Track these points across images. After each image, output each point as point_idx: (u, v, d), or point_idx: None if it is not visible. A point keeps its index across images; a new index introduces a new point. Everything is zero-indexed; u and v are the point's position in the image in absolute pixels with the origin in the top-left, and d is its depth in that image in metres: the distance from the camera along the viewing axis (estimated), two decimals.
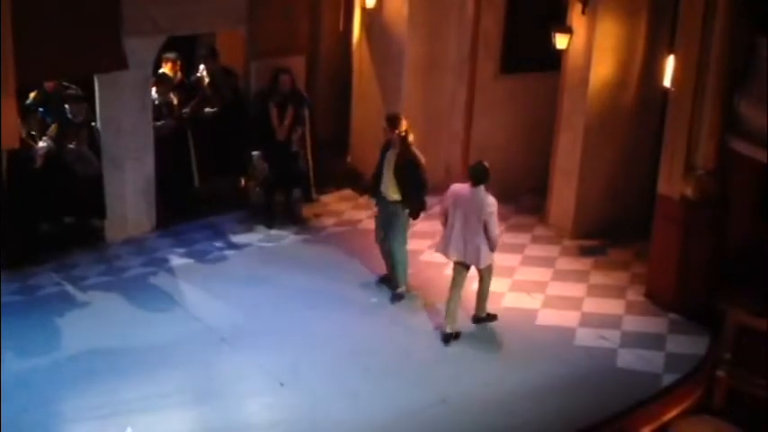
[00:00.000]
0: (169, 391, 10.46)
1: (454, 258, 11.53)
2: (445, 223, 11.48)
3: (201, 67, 14.58)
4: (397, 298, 12.33)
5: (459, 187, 11.43)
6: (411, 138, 11.90)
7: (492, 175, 11.21)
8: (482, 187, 11.19)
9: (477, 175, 11.19)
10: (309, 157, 14.48)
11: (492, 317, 11.91)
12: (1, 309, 10.92)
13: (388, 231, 12.21)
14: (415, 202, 11.97)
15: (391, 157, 11.99)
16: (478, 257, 11.36)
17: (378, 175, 12.18)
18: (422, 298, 12.41)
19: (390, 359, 11.12)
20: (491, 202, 11.18)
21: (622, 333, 11.82)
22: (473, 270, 11.56)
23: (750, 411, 10.89)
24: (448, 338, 11.51)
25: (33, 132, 12.70)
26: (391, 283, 12.42)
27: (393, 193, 12.03)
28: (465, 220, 11.26)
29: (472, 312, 11.89)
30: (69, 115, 13.03)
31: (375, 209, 12.64)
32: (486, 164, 11.28)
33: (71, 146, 12.86)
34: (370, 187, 12.55)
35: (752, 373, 11.17)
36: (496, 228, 11.34)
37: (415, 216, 12.10)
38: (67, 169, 12.91)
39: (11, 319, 11.47)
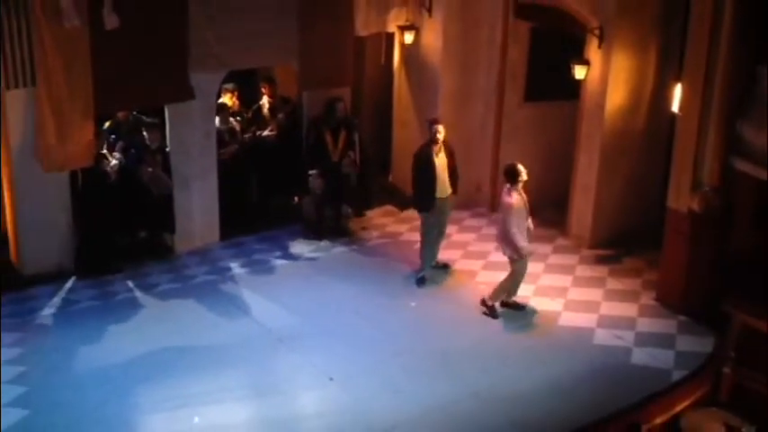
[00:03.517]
0: (231, 385, 10.54)
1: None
2: None
3: (264, 97, 14.64)
4: (445, 266, 13.02)
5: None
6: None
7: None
8: (507, 186, 11.61)
9: (505, 175, 11.69)
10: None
11: (493, 313, 11.98)
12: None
13: (445, 222, 12.84)
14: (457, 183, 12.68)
15: (440, 156, 12.38)
16: (502, 246, 11.80)
17: (426, 185, 12.39)
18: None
19: (427, 358, 11.11)
20: (504, 201, 11.58)
21: (636, 333, 11.74)
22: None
23: (754, 405, 10.76)
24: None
25: (103, 152, 12.79)
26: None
27: (448, 189, 12.53)
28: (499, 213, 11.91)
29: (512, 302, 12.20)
30: (147, 141, 13.14)
31: (429, 217, 12.72)
32: (513, 164, 11.68)
33: (149, 169, 12.95)
34: (424, 202, 12.57)
35: (755, 370, 11.05)
36: (507, 225, 11.58)
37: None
38: (144, 190, 13.00)
39: (91, 322, 11.72)
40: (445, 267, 13.09)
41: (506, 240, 11.67)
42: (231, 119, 14.21)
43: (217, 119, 13.84)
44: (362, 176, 14.41)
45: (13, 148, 12.05)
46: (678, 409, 10.63)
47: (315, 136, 14.08)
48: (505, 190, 11.66)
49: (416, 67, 14.98)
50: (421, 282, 12.73)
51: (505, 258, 11.98)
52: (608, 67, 12.96)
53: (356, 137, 14.18)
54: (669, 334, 11.73)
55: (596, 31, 12.90)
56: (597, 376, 10.88)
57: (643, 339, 11.60)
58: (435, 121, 12.48)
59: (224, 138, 13.90)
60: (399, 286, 12.72)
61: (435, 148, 12.35)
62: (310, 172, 13.89)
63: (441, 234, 12.92)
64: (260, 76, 15.29)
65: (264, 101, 14.56)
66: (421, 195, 12.61)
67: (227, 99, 14.36)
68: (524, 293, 12.42)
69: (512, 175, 11.55)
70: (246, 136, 14.28)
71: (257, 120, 14.51)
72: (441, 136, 12.29)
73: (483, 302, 11.98)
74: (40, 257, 12.47)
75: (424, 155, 12.42)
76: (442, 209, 12.61)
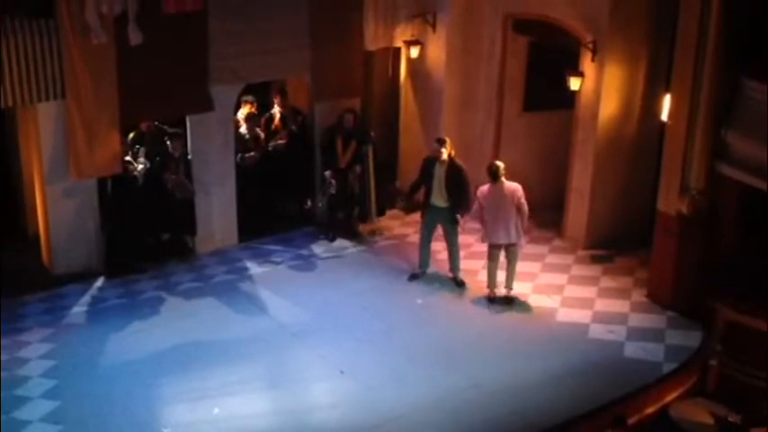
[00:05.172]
0: (249, 377, 10.58)
1: (503, 242, 12.06)
2: (482, 219, 12.10)
3: (276, 107, 14.64)
4: (461, 284, 12.66)
5: (484, 188, 12.10)
6: (453, 152, 12.48)
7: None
8: (502, 180, 11.87)
9: (494, 173, 11.89)
10: (372, 186, 14.27)
11: (510, 299, 12.18)
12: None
13: (449, 233, 12.61)
14: (461, 205, 12.41)
15: (440, 171, 12.34)
16: (519, 236, 12.01)
17: (424, 187, 12.56)
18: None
19: (432, 351, 11.14)
20: (516, 187, 11.91)
21: (628, 328, 11.75)
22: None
23: (739, 395, 10.76)
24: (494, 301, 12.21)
25: (128, 159, 12.83)
26: (452, 270, 12.76)
27: (444, 201, 12.42)
28: (498, 209, 11.86)
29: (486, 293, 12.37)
30: (170, 150, 13.16)
31: (423, 220, 12.83)
32: (497, 162, 12.09)
33: (173, 176, 12.96)
34: (410, 194, 13.16)
35: (739, 361, 11.06)
36: (526, 209, 11.97)
37: (462, 216, 12.55)
38: (168, 195, 13.00)
39: (118, 319, 11.74)
40: (457, 282, 12.74)
41: (517, 226, 11.91)
42: (257, 128, 14.22)
43: (244, 126, 13.87)
44: (376, 185, 14.35)
45: (45, 157, 12.10)
46: (668, 399, 10.69)
47: (328, 140, 14.09)
48: (489, 187, 11.96)
49: (421, 78, 14.99)
50: (412, 278, 12.78)
51: (503, 257, 12.17)
52: (601, 78, 12.97)
53: (369, 150, 13.99)
54: (659, 329, 11.73)
55: (590, 45, 12.92)
56: (592, 368, 10.90)
57: (635, 334, 11.60)
58: (438, 141, 12.50)
59: (248, 145, 13.91)
60: (405, 284, 12.73)
61: (440, 160, 12.36)
62: (325, 172, 13.89)
63: (450, 247, 12.73)
64: (273, 88, 15.29)
65: (276, 110, 14.54)
66: (409, 191, 13.13)
67: (246, 109, 14.35)
68: (523, 291, 12.47)
69: (495, 173, 11.90)
70: (271, 145, 14.26)
71: (268, 129, 14.47)
72: (444, 156, 12.30)
73: (505, 298, 12.19)
74: (69, 259, 12.51)
75: (429, 160, 12.51)
76: (434, 215, 12.58)
